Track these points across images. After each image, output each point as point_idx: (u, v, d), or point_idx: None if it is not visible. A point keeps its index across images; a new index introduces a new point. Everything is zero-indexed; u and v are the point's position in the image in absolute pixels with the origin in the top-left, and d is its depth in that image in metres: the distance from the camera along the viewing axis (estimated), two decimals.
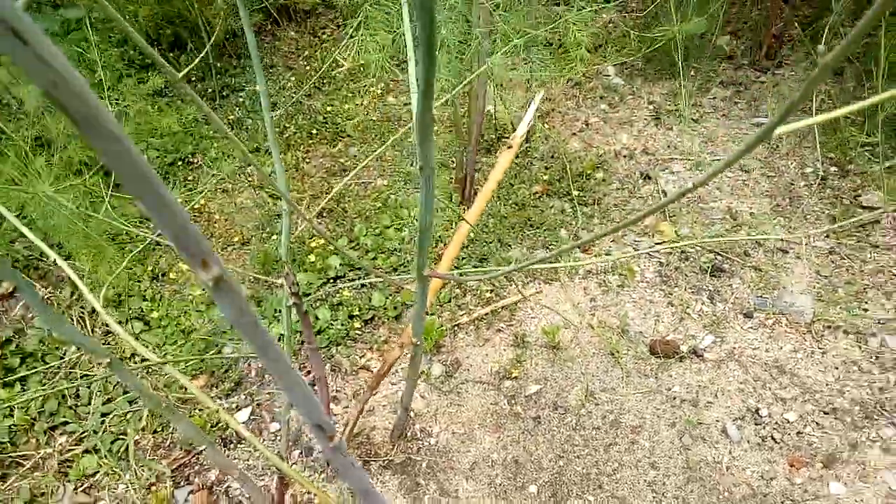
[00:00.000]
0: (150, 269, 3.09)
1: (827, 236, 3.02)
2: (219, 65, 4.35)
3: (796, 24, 4.12)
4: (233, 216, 3.41)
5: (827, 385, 2.44)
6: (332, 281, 3.04)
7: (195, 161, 3.75)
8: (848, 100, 3.60)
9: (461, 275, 2.82)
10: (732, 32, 4.34)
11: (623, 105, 3.95)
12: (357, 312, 2.86)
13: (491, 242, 3.14)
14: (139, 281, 3.03)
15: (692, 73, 4.08)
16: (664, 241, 3.07)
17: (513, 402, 2.50)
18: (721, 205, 3.23)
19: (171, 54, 4.25)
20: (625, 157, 3.58)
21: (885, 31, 3.08)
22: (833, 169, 3.37)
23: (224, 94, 4.24)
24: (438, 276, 1.09)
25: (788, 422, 2.34)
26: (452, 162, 3.48)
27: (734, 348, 2.58)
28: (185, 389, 2.62)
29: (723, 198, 3.28)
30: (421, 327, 1.46)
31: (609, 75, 4.20)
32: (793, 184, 3.32)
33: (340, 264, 3.06)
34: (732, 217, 3.16)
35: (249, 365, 2.74)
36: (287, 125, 3.98)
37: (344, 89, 4.24)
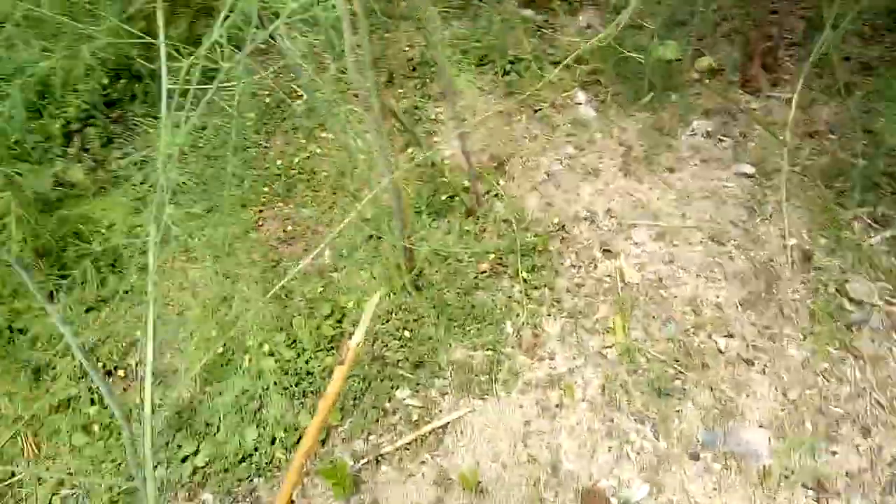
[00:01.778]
0: None
1: (804, 338, 2.66)
2: None
3: (791, 34, 3.54)
4: None
5: None
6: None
7: None
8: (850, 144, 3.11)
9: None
10: (724, 38, 3.76)
11: (591, 146, 3.51)
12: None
13: (430, 340, 2.88)
14: None
15: (673, 97, 3.58)
16: (613, 345, 2.76)
17: None
18: (684, 292, 2.87)
19: None
20: (585, 220, 3.20)
21: None
22: (822, 240, 2.94)
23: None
24: None
25: None
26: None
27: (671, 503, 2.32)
28: None
29: (688, 280, 2.91)
30: None
31: (580, 103, 3.72)
32: (772, 261, 2.92)
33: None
34: (695, 311, 2.80)
35: None
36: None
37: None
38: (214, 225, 3.53)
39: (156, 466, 2.70)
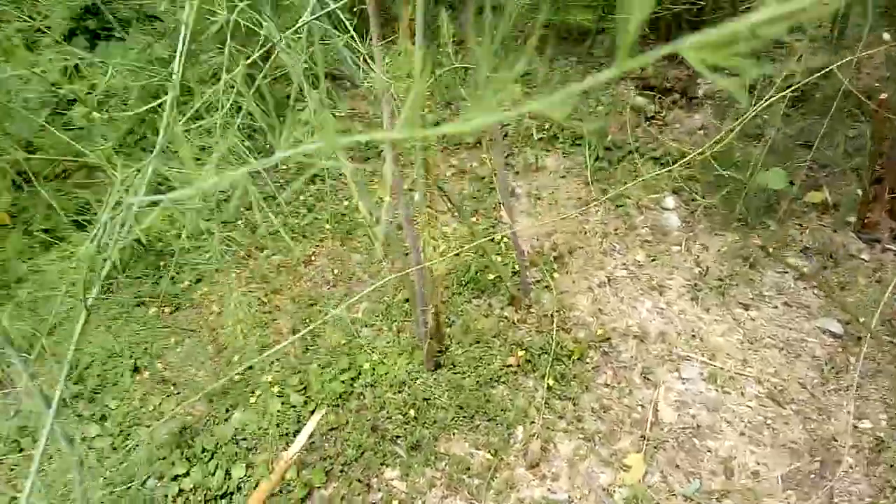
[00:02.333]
0: None
1: None
2: None
3: None
4: None
5: None
6: None
7: None
8: None
9: None
10: (848, 173, 3.37)
11: (664, 258, 3.23)
12: None
13: (435, 424, 2.73)
14: None
15: (771, 226, 3.23)
16: (624, 485, 2.47)
17: None
18: (721, 448, 2.53)
19: None
20: (635, 338, 2.93)
21: None
22: None
23: None
24: None
25: None
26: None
27: None
28: None
29: (729, 436, 2.57)
30: None
31: (667, 208, 3.46)
32: (835, 440, 2.52)
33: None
34: (727, 473, 2.46)
35: None
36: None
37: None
38: (267, 254, 3.59)
39: (149, 477, 2.74)
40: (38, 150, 2.99)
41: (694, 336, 2.90)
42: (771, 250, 3.15)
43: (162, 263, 3.55)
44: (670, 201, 3.47)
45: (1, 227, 3.46)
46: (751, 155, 3.50)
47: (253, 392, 2.94)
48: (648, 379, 2.78)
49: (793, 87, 2.42)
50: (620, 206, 3.50)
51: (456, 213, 2.96)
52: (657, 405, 2.68)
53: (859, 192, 3.30)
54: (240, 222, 3.86)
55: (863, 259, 3.09)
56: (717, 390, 2.71)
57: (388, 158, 2.24)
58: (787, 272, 3.08)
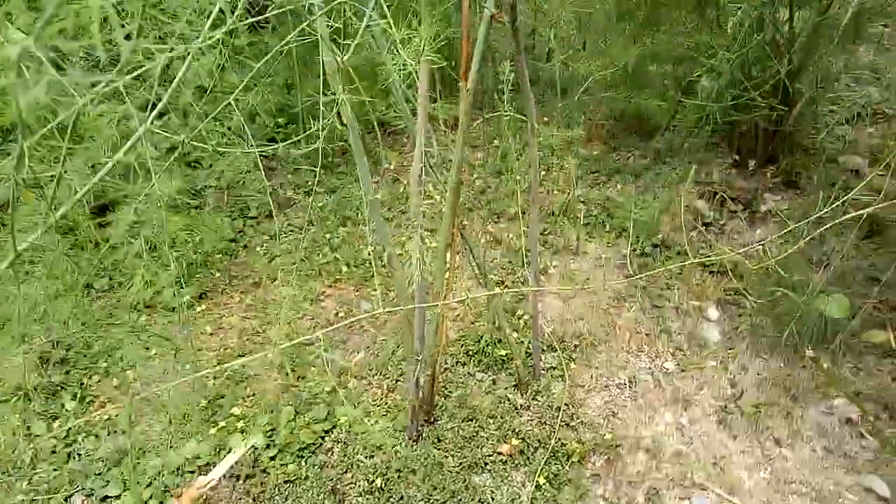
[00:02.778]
0: None
1: None
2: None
3: None
4: None
5: None
6: None
7: None
8: None
9: None
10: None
11: (696, 372, 2.89)
12: None
13: (401, 502, 2.40)
14: None
15: (822, 359, 2.87)
16: None
17: None
18: None
19: None
20: (647, 452, 2.57)
21: None
22: None
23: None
24: None
25: None
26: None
27: None
28: None
29: None
30: None
31: (709, 319, 3.13)
32: None
33: None
34: None
35: None
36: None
37: None
38: (276, 285, 3.41)
39: (77, 490, 2.48)
40: None
41: (715, 464, 2.52)
42: (818, 386, 2.77)
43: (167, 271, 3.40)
44: (714, 312, 3.15)
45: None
46: (811, 280, 3.18)
47: (216, 423, 2.68)
48: (653, 502, 2.40)
49: (865, 216, 2.15)
50: (658, 307, 3.20)
51: (481, 279, 2.73)
52: None
53: None
54: (259, 249, 3.72)
55: None
56: None
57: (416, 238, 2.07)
58: (832, 413, 2.69)
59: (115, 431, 2.66)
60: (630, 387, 2.83)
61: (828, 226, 1.92)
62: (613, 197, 3.94)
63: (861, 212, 1.47)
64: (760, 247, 3.44)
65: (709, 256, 3.41)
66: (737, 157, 4.01)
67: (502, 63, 2.16)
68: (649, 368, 2.91)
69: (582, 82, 3.01)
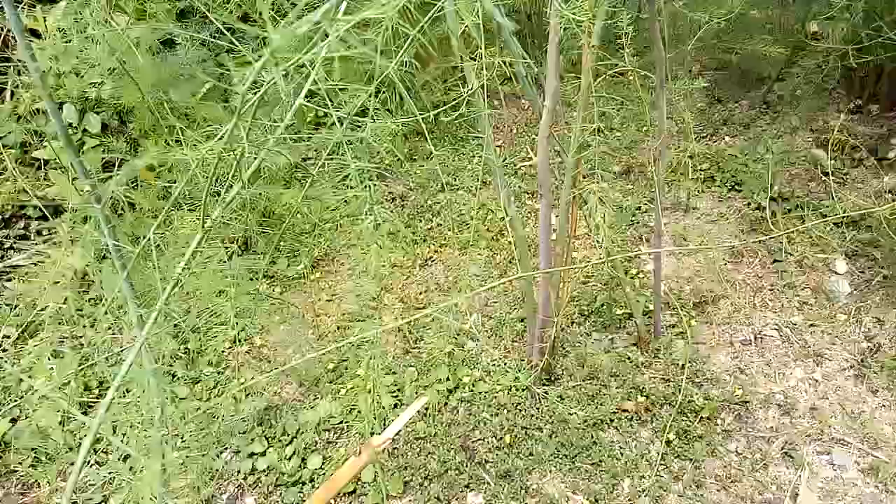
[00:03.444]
0: None
1: None
2: None
3: None
4: None
5: None
6: None
7: None
8: None
9: None
10: None
11: (828, 325, 2.77)
12: None
13: (531, 457, 2.43)
14: None
15: None
16: None
17: None
18: None
19: None
20: (779, 407, 2.50)
21: None
22: None
23: None
24: None
25: None
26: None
27: None
28: None
29: None
30: None
31: (837, 272, 2.99)
32: None
33: None
34: None
35: None
36: None
37: None
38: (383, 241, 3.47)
39: (226, 448, 2.65)
40: None
41: (854, 419, 2.42)
42: None
43: (282, 242, 3.53)
44: (841, 265, 3.00)
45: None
46: None
47: (344, 384, 2.79)
48: (790, 457, 2.33)
49: None
50: (778, 261, 3.08)
51: (598, 239, 2.70)
52: (797, 489, 2.23)
53: None
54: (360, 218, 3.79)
55: None
56: (876, 487, 2.22)
57: (542, 152, 2.06)
58: None
59: (252, 394, 2.80)
60: (756, 342, 2.75)
61: None
62: (722, 149, 3.79)
63: None
64: (891, 196, 3.24)
65: (830, 209, 3.25)
66: (858, 102, 3.78)
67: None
68: (775, 324, 2.82)
69: (697, 31, 2.90)
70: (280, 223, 3.64)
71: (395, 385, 2.74)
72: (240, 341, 3.08)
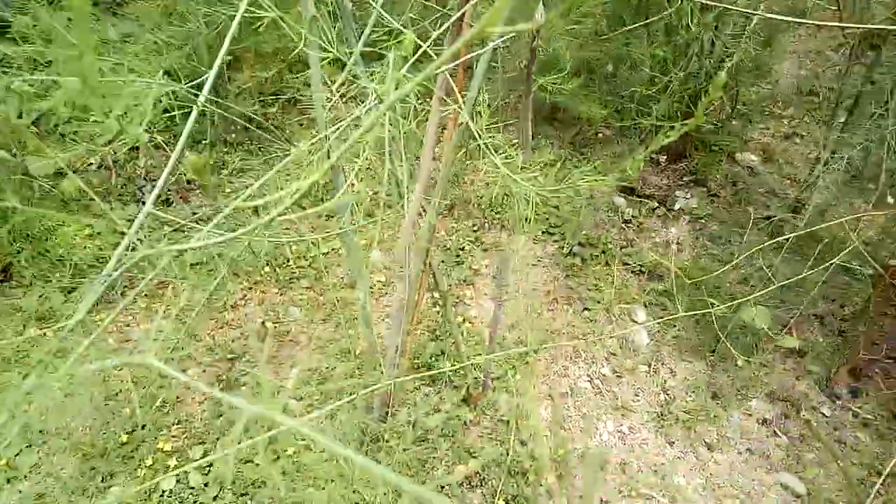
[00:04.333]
0: None
1: None
2: None
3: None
4: None
5: None
6: None
7: None
8: None
9: None
10: (817, 319, 3.31)
11: (631, 378, 3.01)
12: None
13: None
14: None
15: (740, 363, 3.10)
16: None
17: None
18: None
19: None
20: (594, 464, 2.65)
21: None
22: None
23: None
24: None
25: None
26: None
27: None
28: None
29: None
30: None
31: (637, 321, 3.27)
32: None
33: None
34: None
35: None
36: None
37: None
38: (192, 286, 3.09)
39: None
40: None
41: (655, 472, 2.66)
42: (739, 390, 3.00)
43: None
44: (640, 315, 3.28)
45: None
46: (722, 281, 3.40)
47: (145, 462, 2.42)
48: None
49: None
50: (588, 309, 3.28)
51: (440, 302, 2.60)
52: None
53: (823, 343, 3.25)
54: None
55: (822, 413, 3.00)
56: None
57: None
58: (750, 416, 2.93)
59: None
60: (572, 396, 2.90)
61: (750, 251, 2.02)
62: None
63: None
64: (676, 247, 3.61)
65: (630, 256, 3.53)
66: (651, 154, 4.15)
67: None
68: (588, 376, 3.00)
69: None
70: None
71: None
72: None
